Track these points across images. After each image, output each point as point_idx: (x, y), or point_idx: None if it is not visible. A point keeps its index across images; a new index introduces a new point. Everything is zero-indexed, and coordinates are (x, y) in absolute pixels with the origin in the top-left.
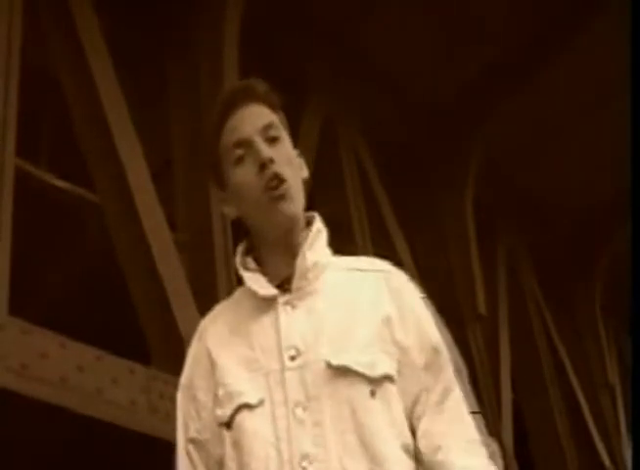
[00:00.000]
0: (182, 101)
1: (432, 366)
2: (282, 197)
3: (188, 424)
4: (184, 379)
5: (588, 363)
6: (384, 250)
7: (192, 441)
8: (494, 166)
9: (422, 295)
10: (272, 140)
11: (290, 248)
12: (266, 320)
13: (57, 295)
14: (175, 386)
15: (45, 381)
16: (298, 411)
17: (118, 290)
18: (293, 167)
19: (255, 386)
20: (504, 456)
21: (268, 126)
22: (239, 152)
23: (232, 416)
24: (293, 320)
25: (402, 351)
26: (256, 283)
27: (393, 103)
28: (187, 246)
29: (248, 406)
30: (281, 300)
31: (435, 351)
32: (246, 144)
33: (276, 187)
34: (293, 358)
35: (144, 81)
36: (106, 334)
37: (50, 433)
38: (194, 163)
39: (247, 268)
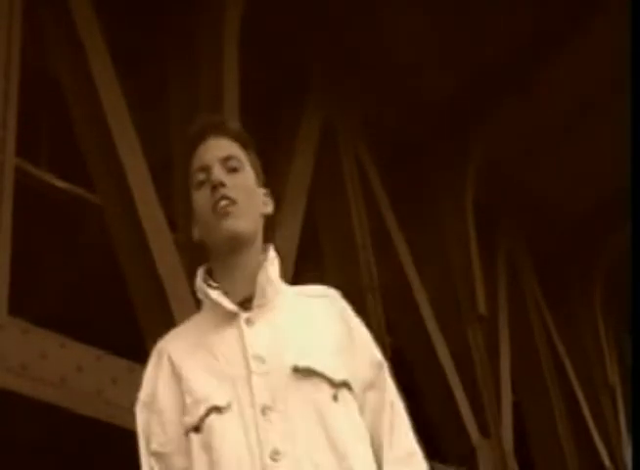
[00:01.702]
0: (182, 101)
1: (377, 382)
2: (226, 214)
3: (150, 438)
4: (144, 396)
5: (588, 363)
6: (383, 249)
7: (154, 454)
8: (494, 167)
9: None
10: (232, 170)
11: (244, 269)
12: (229, 335)
13: (57, 295)
14: None
15: (45, 381)
16: (266, 412)
17: (118, 290)
18: (248, 196)
19: (223, 390)
20: (503, 456)
21: (229, 157)
22: (200, 176)
23: (201, 419)
24: (256, 333)
25: (354, 367)
26: (220, 298)
27: (393, 103)
28: (187, 246)
29: (216, 409)
30: (243, 316)
31: (380, 366)
32: (206, 169)
33: (223, 206)
34: (257, 366)
35: (144, 81)
36: (106, 334)
37: (50, 433)
38: None
39: (209, 286)
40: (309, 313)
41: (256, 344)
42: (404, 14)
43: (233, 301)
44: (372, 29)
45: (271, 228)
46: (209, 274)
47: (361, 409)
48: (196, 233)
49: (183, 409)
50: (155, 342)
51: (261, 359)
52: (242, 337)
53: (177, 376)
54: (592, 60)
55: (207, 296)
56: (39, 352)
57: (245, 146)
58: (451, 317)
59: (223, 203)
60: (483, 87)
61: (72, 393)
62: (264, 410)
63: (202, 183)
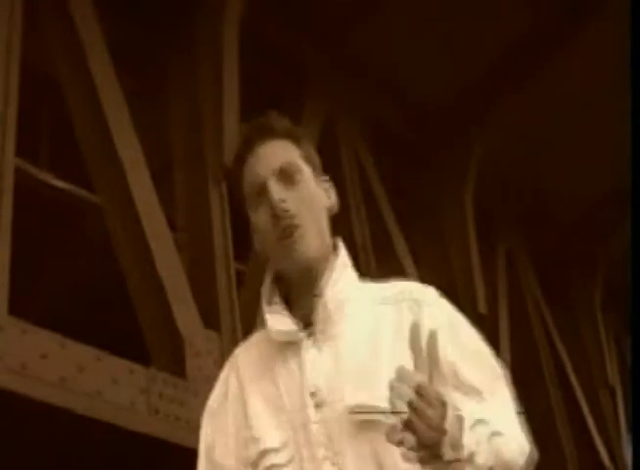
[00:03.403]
0: (182, 101)
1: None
2: (294, 243)
3: (213, 446)
4: (213, 403)
5: (588, 363)
6: (383, 250)
7: (213, 462)
8: (494, 166)
9: (452, 309)
10: (289, 180)
11: (314, 287)
12: (292, 362)
13: (57, 295)
14: (175, 386)
15: (45, 381)
16: (323, 463)
17: (118, 290)
18: (311, 206)
19: (280, 432)
20: None
21: (283, 167)
22: (255, 196)
23: (258, 458)
24: (317, 364)
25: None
26: (282, 325)
27: (393, 103)
28: (187, 246)
29: (273, 450)
30: (305, 343)
31: (456, 376)
32: (261, 188)
33: (289, 235)
34: (317, 405)
35: (144, 81)
36: (106, 334)
37: (50, 433)
38: (194, 163)
39: (271, 306)
40: (378, 331)
41: (316, 377)
42: (405, 14)
43: (300, 322)
44: (372, 30)
45: None
46: (278, 282)
47: None
48: (257, 247)
49: (244, 433)
50: (155, 342)
51: (320, 398)
52: (302, 368)
53: (242, 398)
54: (592, 60)
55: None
56: (39, 352)
57: (296, 140)
58: None
59: (289, 231)
60: (483, 87)
61: (72, 393)
62: (322, 461)
63: (258, 203)
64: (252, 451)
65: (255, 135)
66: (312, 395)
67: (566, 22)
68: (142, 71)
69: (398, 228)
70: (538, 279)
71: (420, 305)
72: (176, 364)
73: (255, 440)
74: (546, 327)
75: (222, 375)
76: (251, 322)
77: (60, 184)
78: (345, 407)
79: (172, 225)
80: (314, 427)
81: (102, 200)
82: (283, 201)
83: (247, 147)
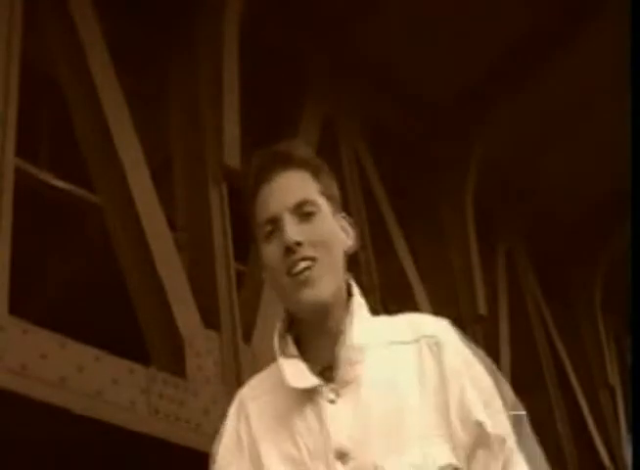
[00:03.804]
0: (182, 101)
1: (480, 445)
2: (305, 283)
3: None
4: (222, 452)
5: (588, 363)
6: (383, 249)
7: None
8: (494, 166)
9: (471, 348)
10: (306, 215)
11: (328, 330)
12: (310, 413)
13: (57, 295)
14: (175, 386)
15: (45, 381)
16: None
17: (118, 290)
18: (328, 244)
19: None
20: None
21: (301, 203)
22: (268, 228)
23: None
24: (338, 416)
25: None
26: (297, 372)
27: (394, 103)
28: (187, 246)
29: None
30: (324, 392)
31: (479, 426)
32: (274, 221)
33: (300, 272)
34: (343, 463)
35: (144, 81)
36: (106, 334)
37: (50, 433)
38: (194, 163)
39: (285, 354)
40: (400, 377)
41: (339, 432)
42: (405, 14)
43: (315, 368)
44: (372, 30)
45: None
46: (291, 326)
47: None
48: (266, 277)
49: None
50: (155, 342)
51: (346, 456)
52: (323, 422)
53: (257, 453)
54: (592, 60)
55: (281, 371)
56: (39, 352)
57: (316, 173)
58: (451, 318)
59: (301, 266)
60: (484, 87)
61: (72, 393)
62: None
63: (269, 235)
64: None
65: (272, 163)
66: (337, 453)
67: (566, 22)
68: (142, 71)
69: (398, 228)
70: (538, 279)
71: (439, 346)
72: (176, 364)
73: None
74: (546, 327)
75: (230, 423)
76: (250, 322)
77: (60, 184)
78: (374, 467)
79: (172, 225)
80: None
81: (102, 200)
82: (298, 241)
83: (261, 176)
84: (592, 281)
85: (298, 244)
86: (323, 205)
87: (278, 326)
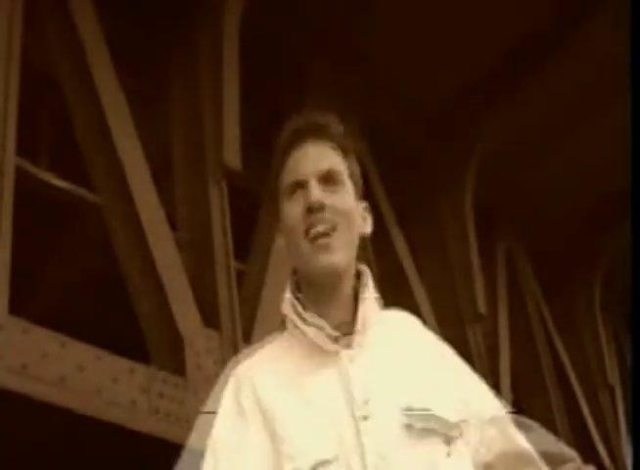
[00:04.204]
0: (182, 101)
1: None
2: (322, 246)
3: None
4: (222, 432)
5: (588, 363)
6: (383, 249)
7: None
8: (494, 166)
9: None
10: (331, 186)
11: (339, 297)
12: (329, 376)
13: (57, 295)
14: (175, 385)
15: (45, 381)
16: None
17: (118, 290)
18: (348, 219)
19: (329, 444)
20: None
21: (330, 173)
22: (293, 188)
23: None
24: (361, 375)
25: (466, 402)
26: (317, 337)
27: (394, 103)
28: (187, 246)
29: (327, 463)
30: (345, 355)
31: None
32: (301, 184)
33: (318, 237)
34: (366, 418)
35: (144, 81)
36: (106, 333)
37: (50, 433)
38: (194, 163)
39: (302, 318)
40: (411, 345)
41: (363, 388)
42: (405, 14)
43: (332, 327)
44: (372, 30)
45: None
46: (298, 290)
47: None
48: (281, 241)
49: (273, 454)
50: (155, 342)
51: (370, 409)
52: (344, 380)
53: (267, 418)
54: (592, 60)
55: (304, 333)
56: (39, 352)
57: (346, 153)
58: (451, 317)
59: (320, 229)
60: (484, 87)
61: (72, 393)
62: None
63: (294, 192)
64: (305, 463)
65: (309, 131)
66: (360, 407)
67: (566, 22)
68: (142, 71)
69: (398, 227)
70: (538, 279)
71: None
72: (176, 364)
73: (302, 452)
74: (546, 326)
75: (225, 403)
76: (250, 322)
77: (60, 184)
78: (399, 420)
79: (172, 225)
80: (365, 439)
81: (102, 200)
82: (322, 205)
83: (295, 140)
84: (592, 281)
85: (322, 206)
86: (348, 183)
87: (289, 288)
